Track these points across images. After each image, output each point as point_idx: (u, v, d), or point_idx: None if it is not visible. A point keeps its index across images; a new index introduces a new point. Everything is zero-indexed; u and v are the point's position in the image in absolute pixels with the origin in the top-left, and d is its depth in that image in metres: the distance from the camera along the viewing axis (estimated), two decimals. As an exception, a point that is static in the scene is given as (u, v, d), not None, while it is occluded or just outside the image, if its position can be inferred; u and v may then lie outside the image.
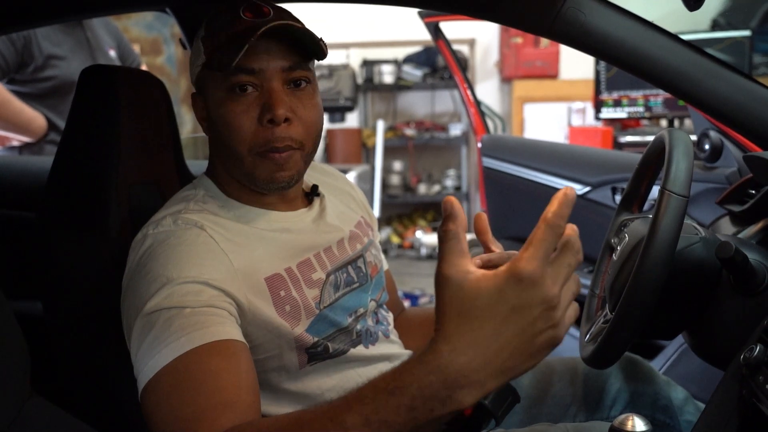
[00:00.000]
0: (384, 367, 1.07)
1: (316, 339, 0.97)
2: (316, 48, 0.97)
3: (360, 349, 1.04)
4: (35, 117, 2.16)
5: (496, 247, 0.88)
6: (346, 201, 1.18)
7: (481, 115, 2.78)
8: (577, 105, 4.28)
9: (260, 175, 0.97)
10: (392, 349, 1.10)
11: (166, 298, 0.84)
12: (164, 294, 0.85)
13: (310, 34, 0.96)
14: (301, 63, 0.97)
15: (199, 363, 0.80)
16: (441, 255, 0.60)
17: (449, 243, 0.59)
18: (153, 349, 0.82)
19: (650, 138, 1.10)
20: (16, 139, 2.20)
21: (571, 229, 0.60)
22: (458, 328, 0.58)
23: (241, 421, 0.77)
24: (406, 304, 1.37)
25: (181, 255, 0.89)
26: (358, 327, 1.05)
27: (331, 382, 1.00)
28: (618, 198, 2.04)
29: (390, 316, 1.16)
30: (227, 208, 1.00)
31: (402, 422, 0.60)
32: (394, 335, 1.14)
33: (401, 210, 5.57)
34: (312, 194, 1.11)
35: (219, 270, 0.89)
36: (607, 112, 3.17)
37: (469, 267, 0.59)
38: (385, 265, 1.24)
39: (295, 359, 0.96)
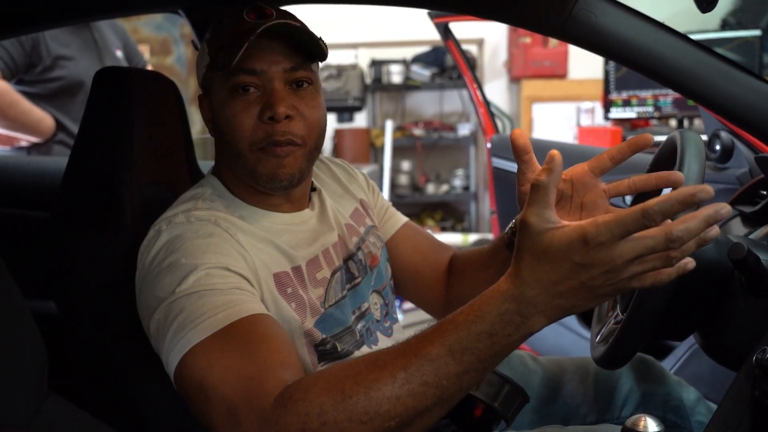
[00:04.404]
0: None
1: (324, 336, 0.98)
2: (316, 48, 0.98)
3: (365, 350, 1.05)
4: (43, 117, 2.18)
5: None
6: (345, 179, 1.19)
7: (491, 115, 2.77)
8: (586, 105, 4.26)
9: (262, 171, 0.97)
10: None
11: (195, 282, 0.86)
12: (192, 279, 0.86)
13: (308, 33, 0.96)
14: (303, 64, 0.98)
15: (245, 331, 0.81)
16: (528, 203, 0.66)
17: (538, 194, 0.65)
18: (190, 324, 0.82)
19: (660, 138, 1.10)
20: (25, 139, 2.21)
21: (686, 223, 0.60)
22: (530, 267, 0.66)
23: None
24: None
25: (200, 246, 0.90)
26: (359, 326, 1.06)
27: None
28: (629, 199, 2.04)
29: (394, 306, 1.17)
30: (233, 208, 1.01)
31: (482, 348, 0.67)
32: (398, 332, 1.14)
33: (409, 210, 5.56)
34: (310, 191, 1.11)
35: (237, 259, 0.91)
36: (617, 112, 3.15)
37: (551, 217, 0.65)
38: (402, 219, 1.26)
39: (306, 358, 0.97)
